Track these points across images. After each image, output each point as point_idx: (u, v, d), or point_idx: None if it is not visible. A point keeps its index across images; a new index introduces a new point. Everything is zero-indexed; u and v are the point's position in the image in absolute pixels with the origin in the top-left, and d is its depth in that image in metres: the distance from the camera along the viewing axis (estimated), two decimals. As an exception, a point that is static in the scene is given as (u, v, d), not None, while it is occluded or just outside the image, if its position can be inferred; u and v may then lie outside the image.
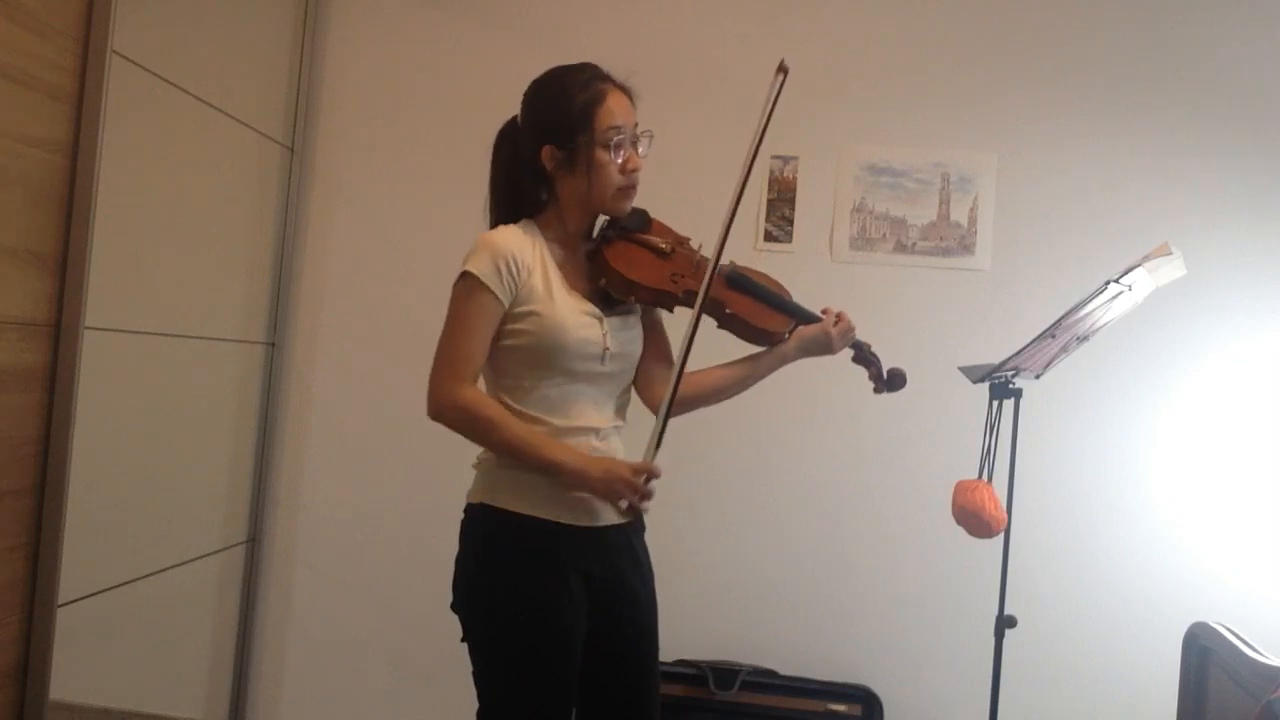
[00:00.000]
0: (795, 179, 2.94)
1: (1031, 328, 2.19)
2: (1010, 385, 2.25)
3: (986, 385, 2.26)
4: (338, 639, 3.03)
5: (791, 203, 2.94)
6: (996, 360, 2.22)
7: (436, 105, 3.04)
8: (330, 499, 3.04)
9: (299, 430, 3.05)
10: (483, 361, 1.74)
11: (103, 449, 2.27)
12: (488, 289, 1.72)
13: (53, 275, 2.08)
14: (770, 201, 2.94)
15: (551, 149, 1.80)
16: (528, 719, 1.76)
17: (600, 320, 1.81)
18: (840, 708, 2.78)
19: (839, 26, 2.97)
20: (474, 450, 3.17)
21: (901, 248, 2.93)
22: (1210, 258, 2.78)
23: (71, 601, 2.20)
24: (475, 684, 1.79)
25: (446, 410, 1.72)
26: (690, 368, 1.96)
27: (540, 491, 1.75)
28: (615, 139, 1.78)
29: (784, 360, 1.94)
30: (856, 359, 2.00)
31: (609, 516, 1.82)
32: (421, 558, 3.00)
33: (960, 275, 2.91)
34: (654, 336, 1.96)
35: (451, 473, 3.00)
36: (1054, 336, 2.14)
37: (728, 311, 1.88)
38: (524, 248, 1.78)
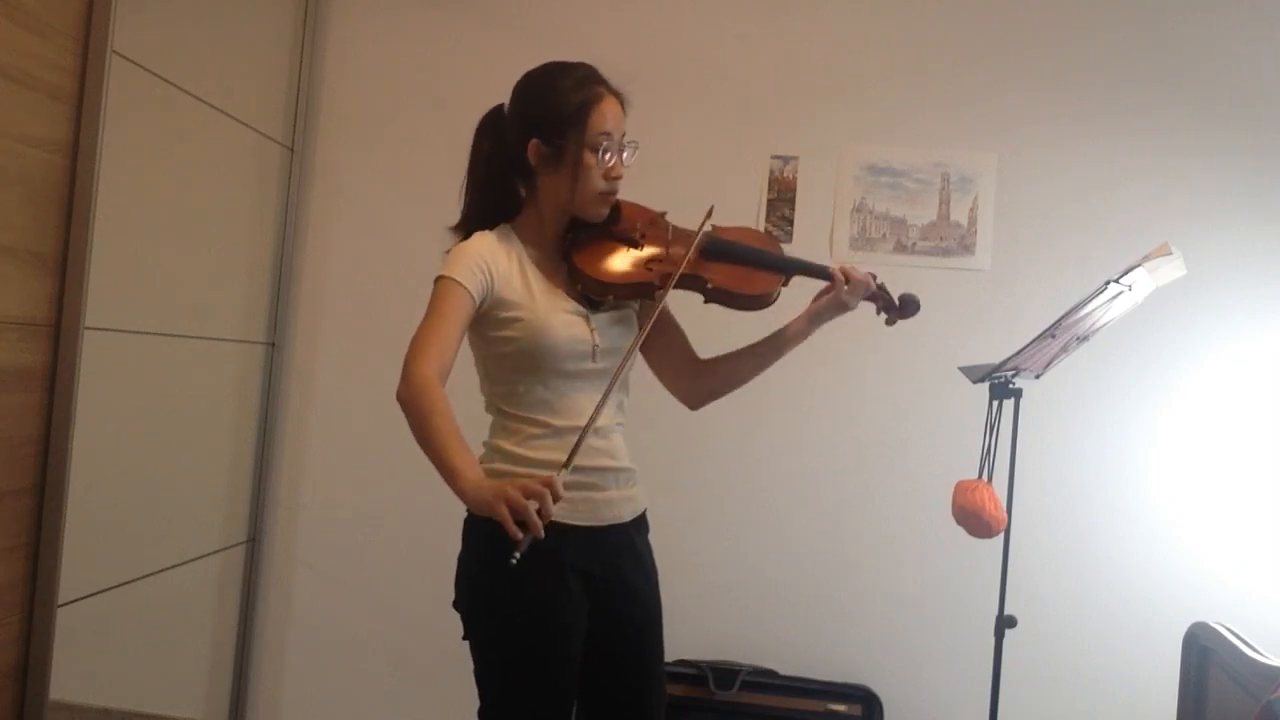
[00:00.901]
0: (795, 179, 2.94)
1: (1031, 328, 2.19)
2: (1010, 385, 2.25)
3: (986, 385, 2.25)
4: (338, 639, 3.03)
5: (791, 203, 2.94)
6: (996, 360, 2.22)
7: (436, 105, 3.03)
8: (330, 499, 3.04)
9: (299, 430, 3.05)
10: (451, 352, 1.68)
11: (103, 449, 2.27)
12: (458, 283, 1.69)
13: (53, 275, 2.08)
14: (770, 201, 2.94)
15: (538, 144, 1.78)
16: (526, 718, 1.76)
17: (586, 317, 1.80)
18: (840, 708, 2.78)
19: (839, 26, 2.97)
20: (475, 448, 3.15)
21: (901, 248, 2.93)
22: (1210, 258, 2.78)
23: (71, 601, 2.20)
24: (476, 683, 1.79)
25: (403, 387, 1.61)
26: (709, 351, 1.96)
27: None
28: (604, 144, 1.77)
29: (802, 335, 1.89)
30: (866, 298, 1.91)
31: (612, 516, 1.82)
32: (421, 558, 3.00)
33: (960, 275, 2.91)
34: (666, 330, 1.95)
35: (451, 473, 3.00)
36: (1054, 336, 2.13)
37: (710, 286, 1.81)
38: (498, 254, 1.76)
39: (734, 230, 1.91)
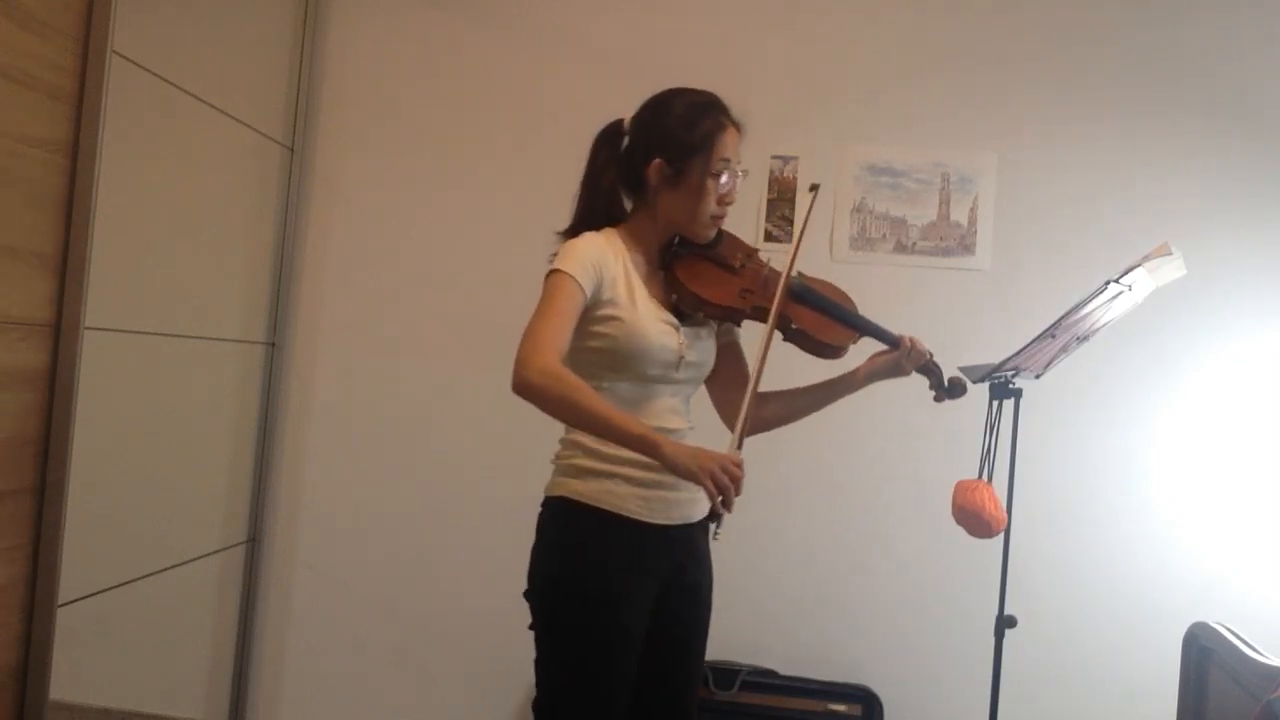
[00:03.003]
0: (795, 179, 2.94)
1: (1031, 328, 2.19)
2: (1010, 385, 2.24)
3: (986, 385, 2.25)
4: (338, 639, 3.03)
5: (791, 203, 2.94)
6: (996, 360, 2.22)
7: (436, 105, 3.04)
8: (330, 499, 3.04)
9: (299, 430, 3.05)
10: (565, 344, 1.73)
11: (103, 449, 2.27)
12: (572, 278, 1.74)
13: (53, 275, 2.08)
14: (770, 201, 2.94)
15: (661, 163, 1.85)
16: (586, 710, 1.79)
17: (677, 329, 1.87)
18: (840, 708, 2.78)
19: (839, 27, 2.97)
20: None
21: (901, 248, 2.93)
22: (1210, 258, 2.78)
23: (71, 601, 2.20)
24: (536, 672, 1.83)
25: (534, 375, 1.64)
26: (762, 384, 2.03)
27: (620, 489, 1.80)
28: (724, 170, 1.86)
29: (855, 388, 2.00)
30: (919, 369, 2.03)
31: (681, 515, 1.87)
32: (421, 558, 3.01)
33: (960, 275, 2.91)
34: (732, 360, 2.02)
35: (452, 473, 3.01)
36: (1054, 336, 2.13)
37: (793, 326, 1.92)
38: (606, 254, 1.82)
39: (818, 281, 2.01)
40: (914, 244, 2.92)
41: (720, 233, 1.95)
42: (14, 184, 1.96)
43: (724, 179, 1.87)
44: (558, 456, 1.88)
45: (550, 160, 3.00)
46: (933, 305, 2.90)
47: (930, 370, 2.02)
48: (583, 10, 3.02)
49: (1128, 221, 2.84)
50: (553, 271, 1.76)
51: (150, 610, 2.55)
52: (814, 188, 2.00)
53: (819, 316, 1.95)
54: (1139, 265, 2.02)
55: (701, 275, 1.89)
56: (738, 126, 1.91)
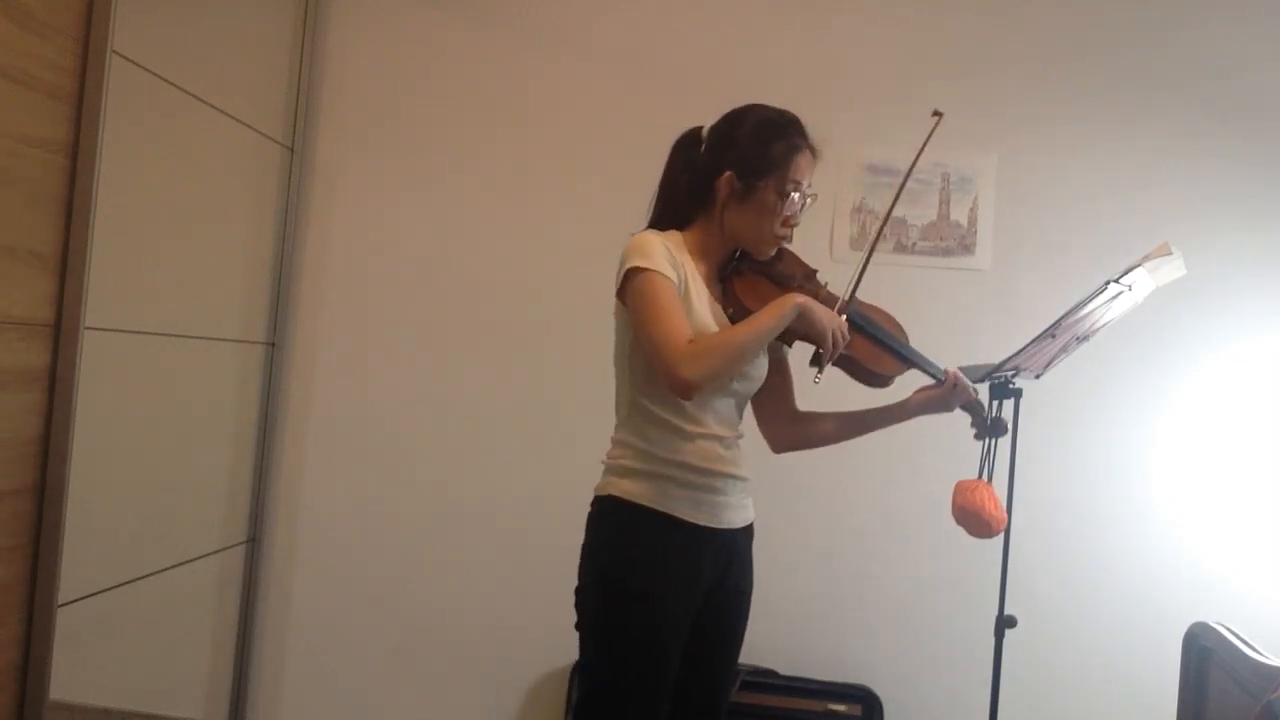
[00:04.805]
0: (795, 179, 2.94)
1: (1031, 328, 2.19)
2: (1010, 385, 2.24)
3: (986, 385, 2.25)
4: (338, 639, 3.03)
5: (791, 203, 2.94)
6: (996, 360, 2.22)
7: (436, 105, 3.04)
8: (330, 499, 3.04)
9: (299, 430, 3.05)
10: (688, 327, 1.75)
11: (103, 449, 2.27)
12: (660, 274, 1.76)
13: (53, 275, 2.08)
14: (770, 201, 2.94)
15: (732, 177, 1.86)
16: (628, 708, 1.80)
17: None
18: (840, 708, 2.78)
19: (839, 27, 2.97)
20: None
21: (901, 248, 2.93)
22: (1210, 258, 2.78)
23: (71, 601, 2.20)
24: (580, 671, 1.85)
25: (690, 373, 1.70)
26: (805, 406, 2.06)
27: (672, 491, 1.82)
28: (794, 192, 1.87)
29: (903, 419, 2.03)
30: (963, 407, 2.05)
31: (729, 520, 1.88)
32: (421, 558, 3.01)
33: (960, 275, 2.91)
34: (780, 377, 2.03)
35: (452, 473, 3.01)
36: (1054, 336, 2.13)
37: (844, 352, 1.92)
38: (676, 256, 1.83)
39: (872, 309, 2.02)
40: (914, 244, 2.92)
41: (781, 250, 1.96)
42: (14, 184, 1.96)
43: (793, 200, 1.87)
44: (608, 456, 1.89)
45: (550, 160, 3.00)
46: (933, 305, 2.90)
47: (974, 408, 2.04)
48: (583, 10, 3.02)
49: (1128, 221, 2.84)
50: (638, 270, 1.76)
51: (150, 610, 2.55)
52: (937, 114, 1.98)
53: (871, 346, 1.95)
54: (1139, 265, 2.02)
55: (759, 293, 1.89)
56: (813, 150, 1.91)
